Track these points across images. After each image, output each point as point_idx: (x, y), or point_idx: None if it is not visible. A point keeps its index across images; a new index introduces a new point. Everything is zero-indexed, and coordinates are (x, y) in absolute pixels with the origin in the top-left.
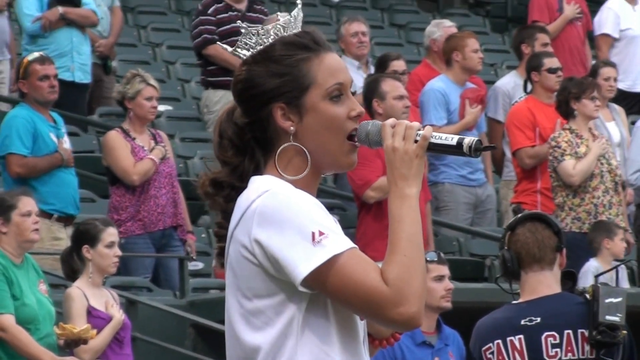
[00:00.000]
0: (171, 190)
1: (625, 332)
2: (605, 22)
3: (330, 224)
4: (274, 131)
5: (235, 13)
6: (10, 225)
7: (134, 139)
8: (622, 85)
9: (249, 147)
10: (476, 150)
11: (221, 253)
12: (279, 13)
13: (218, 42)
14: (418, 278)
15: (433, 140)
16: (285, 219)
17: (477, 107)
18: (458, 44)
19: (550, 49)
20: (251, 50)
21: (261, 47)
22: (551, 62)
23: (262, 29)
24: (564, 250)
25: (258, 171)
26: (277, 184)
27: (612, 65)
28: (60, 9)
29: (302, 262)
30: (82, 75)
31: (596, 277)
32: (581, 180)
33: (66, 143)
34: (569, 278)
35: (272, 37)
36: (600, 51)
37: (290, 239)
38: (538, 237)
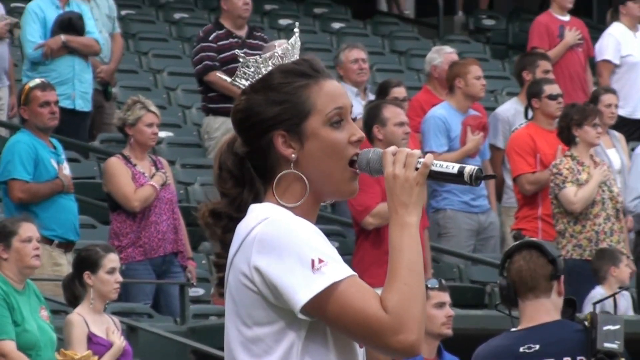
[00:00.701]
0: (172, 216)
1: (623, 359)
2: (606, 48)
3: (330, 251)
4: (275, 159)
5: (235, 40)
6: (10, 251)
7: (134, 165)
8: (622, 112)
9: (249, 177)
10: (477, 178)
11: (220, 283)
12: (276, 42)
13: (217, 73)
14: (418, 306)
15: (434, 168)
16: (284, 247)
17: (479, 135)
18: (460, 70)
19: (551, 75)
20: (250, 79)
21: (260, 76)
22: (551, 89)
23: (260, 57)
24: (562, 278)
25: (257, 200)
26: (276, 211)
27: (613, 92)
28: (63, 37)
29: (301, 289)
30: (83, 103)
31: (594, 304)
32: (582, 208)
33: (66, 169)
34: (570, 305)
35: (270, 66)
36: (601, 77)
37: (290, 266)
38: (531, 266)
